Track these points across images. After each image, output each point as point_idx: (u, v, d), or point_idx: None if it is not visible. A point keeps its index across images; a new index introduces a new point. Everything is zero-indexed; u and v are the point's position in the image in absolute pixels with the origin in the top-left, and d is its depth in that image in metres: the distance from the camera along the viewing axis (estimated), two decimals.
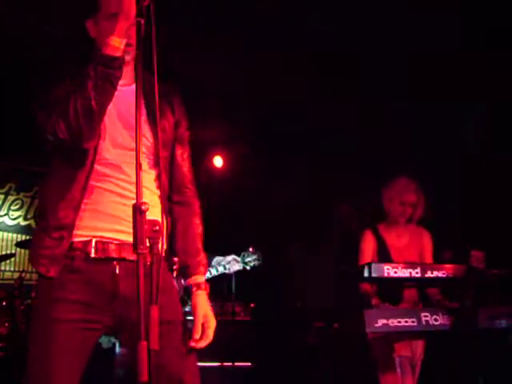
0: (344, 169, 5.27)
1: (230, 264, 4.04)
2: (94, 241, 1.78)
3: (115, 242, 1.80)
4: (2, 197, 6.03)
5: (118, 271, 1.79)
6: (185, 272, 1.99)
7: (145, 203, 1.37)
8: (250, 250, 4.10)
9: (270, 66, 4.72)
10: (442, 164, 4.66)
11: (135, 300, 1.33)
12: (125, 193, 1.81)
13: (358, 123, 5.16)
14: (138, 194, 1.38)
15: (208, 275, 4.05)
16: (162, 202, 1.89)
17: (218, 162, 6.51)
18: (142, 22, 1.52)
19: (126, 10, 1.62)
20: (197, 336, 1.85)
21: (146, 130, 1.85)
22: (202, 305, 1.91)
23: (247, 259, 4.08)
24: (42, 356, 1.71)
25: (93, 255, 1.77)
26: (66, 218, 1.76)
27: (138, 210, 1.36)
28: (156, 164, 1.90)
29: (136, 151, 1.42)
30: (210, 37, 4.39)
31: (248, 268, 4.09)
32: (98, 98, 1.67)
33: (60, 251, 1.76)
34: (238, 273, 4.18)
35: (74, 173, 1.78)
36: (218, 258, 4.07)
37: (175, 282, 4.02)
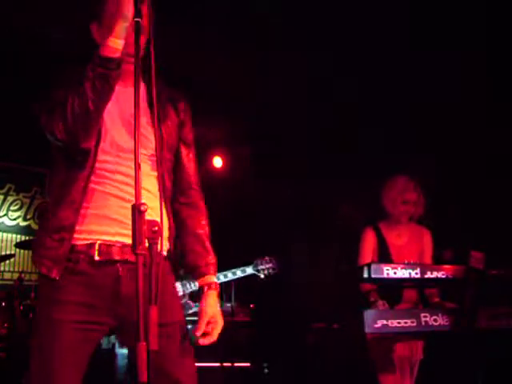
0: (344, 169, 5.27)
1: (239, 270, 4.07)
2: (97, 243, 1.78)
3: (118, 245, 1.80)
4: (2, 197, 6.03)
5: (120, 273, 1.80)
6: (195, 272, 2.01)
7: (144, 204, 1.37)
8: (266, 258, 4.12)
9: (270, 65, 4.71)
10: (442, 164, 4.66)
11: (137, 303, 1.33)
12: (126, 196, 1.81)
13: (357, 123, 5.16)
14: (137, 194, 1.38)
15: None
16: (164, 204, 1.91)
17: (218, 162, 6.51)
18: (140, 22, 1.52)
19: (124, 10, 1.62)
20: (198, 333, 1.86)
21: (149, 132, 1.86)
22: (211, 304, 1.93)
23: (260, 267, 4.09)
24: (44, 357, 1.72)
25: (97, 258, 1.78)
26: (67, 220, 1.77)
27: (137, 211, 1.36)
28: (159, 165, 1.90)
29: (135, 151, 1.42)
30: (210, 37, 4.39)
31: (262, 276, 4.10)
32: (95, 98, 1.68)
33: (62, 252, 1.76)
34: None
35: (74, 174, 1.79)
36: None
37: (180, 287, 4.07)
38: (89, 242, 1.79)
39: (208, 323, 1.90)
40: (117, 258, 1.80)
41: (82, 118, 1.69)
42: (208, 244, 2.03)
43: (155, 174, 1.90)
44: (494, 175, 4.41)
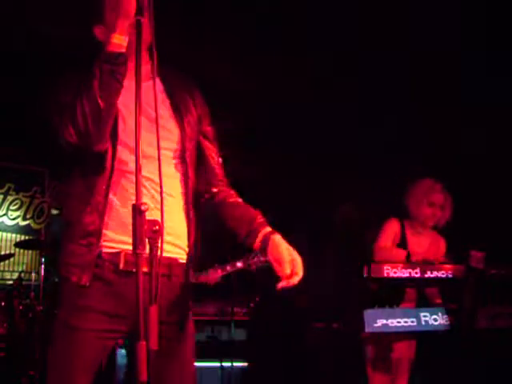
0: (344, 169, 5.27)
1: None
2: (123, 253, 1.76)
3: (145, 256, 1.77)
4: (1, 197, 6.03)
5: (141, 284, 1.79)
6: (251, 235, 1.90)
7: (144, 203, 1.37)
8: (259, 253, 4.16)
9: (271, 65, 4.71)
10: (442, 164, 4.66)
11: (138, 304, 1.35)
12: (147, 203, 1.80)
13: (357, 123, 5.16)
14: (138, 194, 1.38)
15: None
16: (187, 207, 1.89)
17: None
18: (142, 20, 1.52)
19: (126, 7, 1.61)
20: (288, 271, 1.78)
21: (171, 124, 1.85)
22: (282, 243, 1.85)
23: (252, 261, 4.12)
24: (63, 363, 1.72)
25: (122, 267, 1.76)
26: (93, 225, 1.75)
27: (138, 211, 1.35)
28: (183, 160, 1.89)
29: (136, 150, 1.41)
30: (210, 36, 4.38)
31: (253, 268, 4.13)
32: (104, 95, 1.66)
33: (90, 258, 1.74)
34: (238, 273, 4.18)
35: (95, 178, 1.76)
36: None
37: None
38: (114, 250, 1.77)
39: (289, 261, 1.81)
40: (144, 269, 1.79)
41: (93, 117, 1.66)
42: (252, 209, 1.98)
43: (178, 174, 1.88)
44: (493, 175, 4.42)
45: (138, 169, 1.40)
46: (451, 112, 4.60)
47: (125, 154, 1.79)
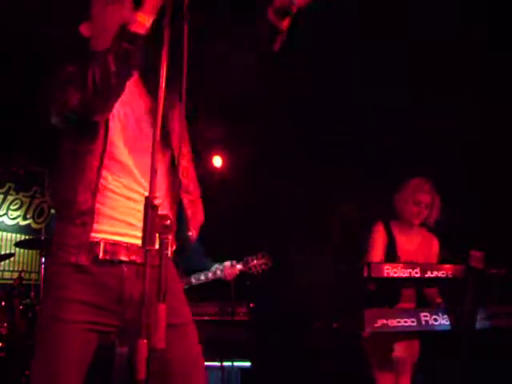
0: (344, 168, 5.26)
1: (225, 268, 4.03)
2: (102, 242, 1.76)
3: (124, 245, 1.77)
4: (1, 197, 6.03)
5: (126, 274, 1.78)
6: None
7: (157, 197, 1.34)
8: (258, 254, 4.09)
9: (270, 63, 4.71)
10: (441, 163, 4.66)
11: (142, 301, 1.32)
12: (136, 197, 1.79)
13: (358, 123, 5.16)
14: (152, 187, 1.36)
15: (203, 278, 4.06)
16: (174, 201, 1.88)
17: (217, 162, 6.50)
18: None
19: None
20: None
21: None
22: None
23: (251, 264, 4.06)
24: (48, 356, 1.71)
25: (101, 257, 1.75)
26: (86, 204, 1.73)
27: (150, 205, 1.32)
28: (167, 148, 1.89)
29: (153, 144, 1.40)
30: (211, 35, 4.38)
31: (254, 272, 4.07)
32: (118, 72, 1.65)
33: (86, 238, 1.73)
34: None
35: (86, 157, 1.75)
36: (216, 265, 4.09)
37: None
38: (95, 240, 1.76)
39: None
40: (123, 258, 1.77)
41: (103, 89, 1.65)
42: None
43: (162, 165, 1.87)
44: (494, 175, 4.42)
45: (154, 170, 1.38)
46: (450, 111, 4.60)
47: (116, 135, 1.79)
